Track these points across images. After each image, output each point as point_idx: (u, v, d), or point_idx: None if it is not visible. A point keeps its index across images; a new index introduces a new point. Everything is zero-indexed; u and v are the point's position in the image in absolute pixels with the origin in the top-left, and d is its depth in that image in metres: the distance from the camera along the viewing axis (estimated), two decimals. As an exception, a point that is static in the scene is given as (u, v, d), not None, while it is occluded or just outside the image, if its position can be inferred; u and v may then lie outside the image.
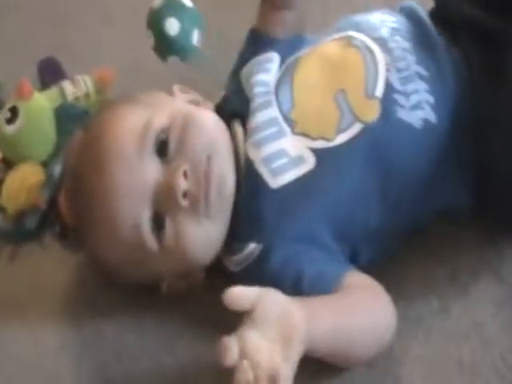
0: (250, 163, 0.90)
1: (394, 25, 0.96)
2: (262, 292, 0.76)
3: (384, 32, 0.94)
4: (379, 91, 0.90)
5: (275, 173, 0.89)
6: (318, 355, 0.80)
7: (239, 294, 0.75)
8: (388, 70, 0.91)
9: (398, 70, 0.91)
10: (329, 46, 0.96)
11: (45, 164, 1.09)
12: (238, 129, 0.93)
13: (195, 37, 1.00)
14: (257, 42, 1.01)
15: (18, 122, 1.08)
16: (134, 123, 0.89)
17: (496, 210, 0.91)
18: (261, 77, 0.95)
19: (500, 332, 0.85)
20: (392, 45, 0.93)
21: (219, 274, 0.92)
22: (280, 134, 0.90)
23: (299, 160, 0.89)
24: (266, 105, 0.92)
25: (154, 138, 0.88)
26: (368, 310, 0.84)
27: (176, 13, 0.98)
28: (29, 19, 1.36)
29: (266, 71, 0.96)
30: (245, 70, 0.98)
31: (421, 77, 0.91)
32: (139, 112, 0.90)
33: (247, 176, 0.90)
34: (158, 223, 0.87)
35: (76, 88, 1.14)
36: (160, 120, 0.89)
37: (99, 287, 0.97)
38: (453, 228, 0.93)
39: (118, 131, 0.89)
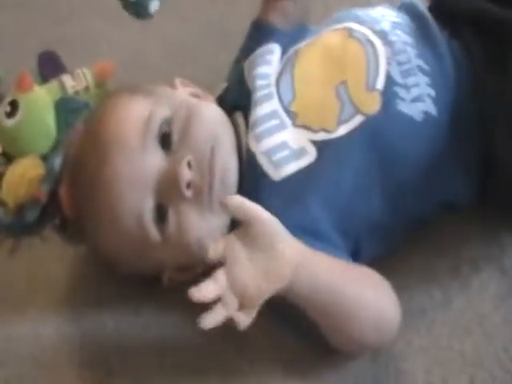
0: (251, 156, 0.90)
1: (395, 19, 0.96)
2: (266, 215, 0.79)
3: (385, 25, 0.95)
4: (380, 84, 0.90)
5: (277, 165, 0.89)
6: (311, 307, 0.81)
7: (242, 203, 0.78)
8: (389, 63, 0.91)
9: (399, 63, 0.91)
10: (329, 37, 0.96)
11: (45, 157, 1.08)
12: (240, 121, 0.93)
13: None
14: (259, 33, 1.01)
15: (18, 116, 1.08)
16: (137, 113, 0.88)
17: (498, 202, 0.91)
18: (262, 69, 0.95)
19: (503, 324, 0.86)
20: (393, 38, 0.93)
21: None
22: (281, 127, 0.90)
23: (301, 152, 0.89)
24: (267, 97, 0.92)
25: (157, 129, 0.88)
26: (371, 289, 0.84)
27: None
28: (28, 13, 1.36)
29: (267, 63, 0.96)
30: (247, 62, 0.98)
31: (422, 70, 0.91)
32: (142, 102, 0.90)
33: (249, 168, 0.90)
34: (160, 214, 0.87)
35: (76, 81, 1.14)
36: (163, 111, 0.88)
37: (99, 280, 0.97)
38: (455, 220, 0.93)
39: (121, 121, 0.88)
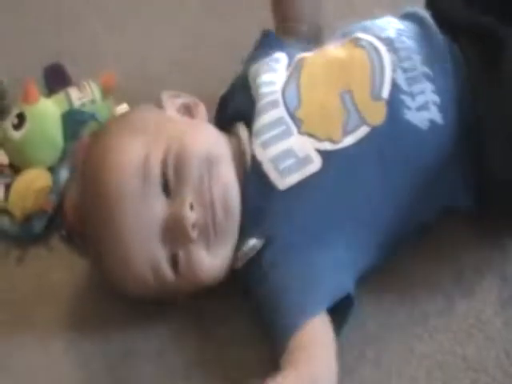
0: (257, 164, 0.90)
1: (400, 26, 0.97)
2: None
3: (390, 32, 0.95)
4: (386, 92, 0.90)
5: (283, 174, 0.89)
6: None
7: None
8: (394, 70, 0.91)
9: (405, 71, 0.91)
10: (335, 47, 0.96)
11: (51, 169, 1.10)
12: (243, 131, 0.94)
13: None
14: (268, 43, 1.02)
15: (25, 128, 1.09)
16: (133, 160, 0.88)
17: (497, 209, 0.91)
18: (267, 77, 0.95)
19: (504, 329, 0.86)
20: (398, 45, 0.93)
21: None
22: (287, 133, 0.91)
23: (306, 160, 0.89)
24: (272, 104, 0.92)
25: (155, 176, 0.87)
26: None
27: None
28: (32, 25, 1.37)
29: (273, 71, 0.96)
30: (252, 70, 0.98)
31: (427, 77, 0.91)
32: (135, 145, 0.89)
33: (254, 177, 0.90)
34: (173, 260, 0.88)
35: (82, 93, 1.15)
36: (157, 153, 0.88)
37: (106, 290, 0.97)
38: (458, 227, 0.94)
39: (118, 171, 0.88)
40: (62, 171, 1.09)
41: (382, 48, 0.93)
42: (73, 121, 1.11)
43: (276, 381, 0.79)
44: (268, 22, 1.08)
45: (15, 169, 1.12)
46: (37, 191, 1.07)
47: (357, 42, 0.95)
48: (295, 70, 0.95)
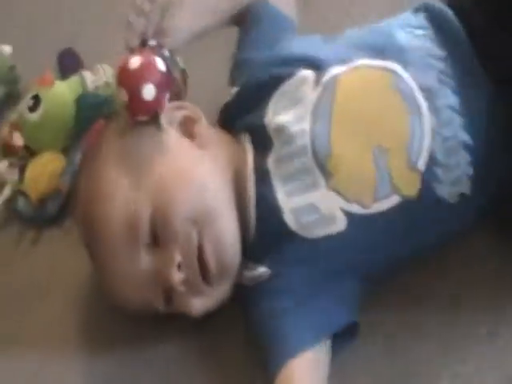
0: (278, 210, 0.86)
1: (437, 52, 0.90)
2: None
3: (432, 78, 0.88)
4: (422, 163, 0.85)
5: (304, 227, 0.86)
6: None
7: None
8: (433, 138, 0.86)
9: (444, 139, 0.86)
10: (371, 78, 0.89)
11: (66, 151, 1.11)
12: (249, 154, 0.90)
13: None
14: (274, 23, 1.00)
15: (40, 110, 1.10)
16: (119, 218, 0.86)
17: None
18: (290, 115, 0.88)
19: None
20: (440, 102, 0.87)
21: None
22: (313, 186, 0.86)
23: (330, 219, 0.85)
24: (300, 151, 0.87)
25: (143, 234, 0.85)
26: None
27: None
28: (44, 10, 1.37)
29: (296, 103, 0.89)
30: (275, 97, 0.90)
31: (465, 147, 0.86)
32: (123, 192, 0.86)
33: (273, 221, 0.87)
34: (167, 296, 0.87)
35: (96, 77, 1.16)
36: (145, 213, 0.85)
37: None
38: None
39: (106, 225, 0.86)
40: (76, 154, 1.09)
41: (424, 105, 0.86)
42: (87, 104, 1.12)
43: None
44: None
45: (30, 151, 1.13)
46: (51, 173, 1.08)
47: (395, 83, 0.87)
48: (326, 99, 0.87)
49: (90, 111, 1.11)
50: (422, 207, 0.86)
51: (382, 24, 0.95)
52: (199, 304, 0.87)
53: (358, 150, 0.86)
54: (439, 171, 0.86)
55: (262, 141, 0.89)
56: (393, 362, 0.85)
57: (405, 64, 0.88)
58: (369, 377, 0.85)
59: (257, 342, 0.87)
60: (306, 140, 0.86)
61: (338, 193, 0.85)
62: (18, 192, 1.10)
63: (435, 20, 0.92)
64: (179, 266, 0.85)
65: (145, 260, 0.85)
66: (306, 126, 0.86)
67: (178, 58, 0.96)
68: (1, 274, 1.03)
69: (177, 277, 0.84)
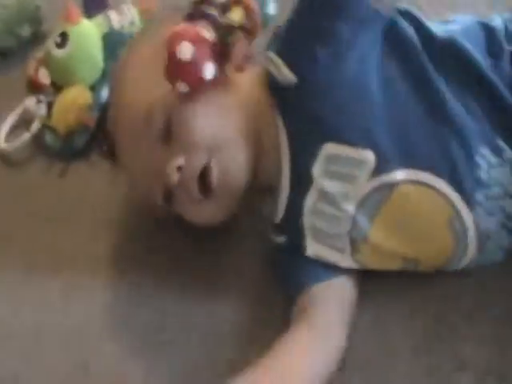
0: (301, 225, 0.86)
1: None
2: None
3: (495, 223, 0.83)
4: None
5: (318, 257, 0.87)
6: None
7: None
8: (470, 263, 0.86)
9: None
10: (431, 206, 0.82)
11: (92, 87, 1.13)
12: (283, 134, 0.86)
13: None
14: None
15: (68, 47, 1.13)
16: (139, 106, 0.86)
17: None
18: (339, 187, 0.83)
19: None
20: (492, 243, 0.84)
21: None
22: (340, 250, 0.86)
23: (347, 270, 0.87)
24: (339, 220, 0.84)
25: (157, 129, 0.85)
26: (303, 368, 0.82)
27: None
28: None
29: (349, 180, 0.83)
30: (329, 148, 0.83)
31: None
32: (146, 90, 0.86)
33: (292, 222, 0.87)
34: (166, 195, 0.88)
35: (121, 16, 1.19)
36: (161, 112, 0.85)
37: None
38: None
39: (127, 110, 0.88)
40: (103, 90, 1.12)
41: (473, 244, 0.84)
42: (113, 41, 1.15)
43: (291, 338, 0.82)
44: None
45: (57, 88, 1.15)
46: (78, 107, 1.11)
47: (453, 223, 0.83)
48: (377, 197, 0.82)
49: (117, 49, 1.13)
50: None
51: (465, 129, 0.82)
52: (196, 211, 0.88)
53: (391, 252, 0.85)
54: None
55: (302, 180, 0.85)
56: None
57: (473, 205, 0.82)
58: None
59: (279, 267, 0.91)
60: (346, 219, 0.83)
61: (360, 264, 0.86)
62: (46, 127, 1.13)
63: None
64: (179, 168, 0.84)
65: (153, 149, 0.86)
66: (350, 208, 0.83)
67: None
68: (30, 203, 1.06)
69: (174, 177, 0.84)
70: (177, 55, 0.82)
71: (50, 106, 1.14)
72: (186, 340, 0.89)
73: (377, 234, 0.83)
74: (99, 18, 1.18)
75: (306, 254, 0.86)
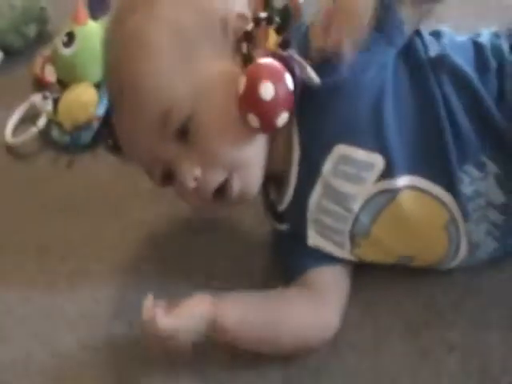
0: (304, 218, 0.88)
1: (497, 198, 0.86)
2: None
3: (482, 232, 0.87)
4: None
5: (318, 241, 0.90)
6: (234, 339, 0.86)
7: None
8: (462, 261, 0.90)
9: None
10: (431, 210, 0.85)
11: (97, 85, 1.18)
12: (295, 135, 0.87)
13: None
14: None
15: (74, 46, 1.18)
16: (155, 110, 0.82)
17: None
18: (347, 187, 0.85)
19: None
20: (480, 251, 0.89)
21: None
22: (340, 245, 0.89)
23: (344, 260, 0.90)
24: (342, 219, 0.87)
25: (175, 127, 0.83)
26: (289, 316, 0.87)
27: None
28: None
29: (358, 181, 0.85)
30: (342, 148, 0.85)
31: None
32: (172, 63, 0.83)
33: (297, 212, 0.89)
34: (165, 179, 0.87)
35: (126, 18, 1.23)
36: (183, 108, 0.82)
37: (148, 192, 1.03)
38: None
39: (141, 98, 0.83)
40: (108, 87, 1.17)
41: (464, 252, 0.88)
42: (118, 42, 1.19)
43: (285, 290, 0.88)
44: None
45: (63, 85, 1.20)
46: (84, 103, 1.16)
47: (449, 227, 0.86)
48: (382, 200, 0.85)
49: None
50: None
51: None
52: (200, 206, 0.88)
53: (393, 245, 0.88)
54: None
55: (310, 177, 0.87)
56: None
57: (466, 217, 0.86)
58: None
59: (279, 249, 0.95)
60: (350, 217, 0.86)
61: (357, 257, 0.90)
62: (53, 122, 1.18)
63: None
64: (195, 179, 0.83)
65: (161, 141, 0.83)
66: (355, 207, 0.86)
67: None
68: (38, 194, 1.10)
69: (190, 184, 0.83)
70: (259, 92, 0.80)
71: (56, 102, 1.19)
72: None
73: (377, 231, 0.87)
74: (105, 20, 1.23)
75: (306, 243, 0.90)
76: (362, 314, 0.91)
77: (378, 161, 0.83)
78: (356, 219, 0.86)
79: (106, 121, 1.13)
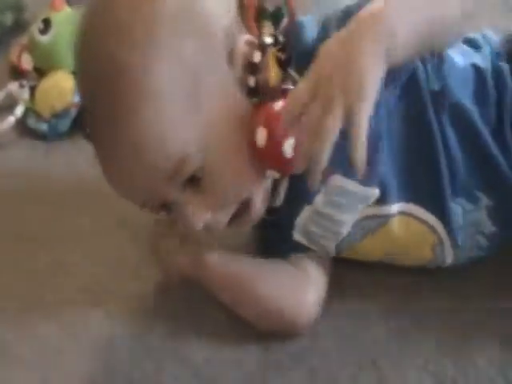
0: (290, 227, 0.87)
1: (487, 228, 0.86)
2: None
3: (470, 254, 0.89)
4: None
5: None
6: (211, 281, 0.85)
7: None
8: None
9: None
10: (420, 235, 0.86)
11: (75, 73, 1.17)
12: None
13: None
14: None
15: (51, 33, 1.17)
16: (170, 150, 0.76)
17: None
18: (336, 214, 0.84)
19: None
20: (464, 254, 0.88)
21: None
22: (324, 249, 0.88)
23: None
24: (329, 238, 0.87)
25: (184, 177, 0.78)
26: (272, 278, 0.87)
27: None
28: None
29: (350, 210, 0.84)
30: (334, 186, 0.83)
31: None
32: (177, 133, 0.75)
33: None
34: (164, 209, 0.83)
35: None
36: (195, 159, 0.76)
37: None
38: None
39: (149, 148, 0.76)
40: (86, 75, 1.16)
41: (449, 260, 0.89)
42: (95, 29, 1.18)
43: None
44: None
45: (40, 73, 1.19)
46: (62, 90, 1.15)
47: (436, 248, 0.87)
48: (374, 222, 0.85)
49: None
50: None
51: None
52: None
53: (378, 256, 0.89)
54: None
55: (298, 202, 0.85)
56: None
57: (456, 244, 0.87)
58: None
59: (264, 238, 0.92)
60: (337, 238, 0.86)
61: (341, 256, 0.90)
62: (30, 111, 1.17)
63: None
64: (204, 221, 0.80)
65: (171, 187, 0.78)
66: (344, 230, 0.85)
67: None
68: (17, 184, 1.09)
69: (198, 227, 0.80)
70: (282, 150, 0.76)
71: (33, 90, 1.18)
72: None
73: (364, 247, 0.87)
74: (81, 6, 1.22)
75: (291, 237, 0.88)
76: (343, 299, 0.90)
77: (373, 192, 0.83)
78: (343, 239, 0.86)
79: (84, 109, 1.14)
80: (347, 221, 0.85)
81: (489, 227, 0.86)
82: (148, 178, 0.77)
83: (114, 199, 1.02)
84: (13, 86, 1.20)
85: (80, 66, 0.82)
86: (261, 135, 0.76)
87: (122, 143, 0.76)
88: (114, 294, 0.94)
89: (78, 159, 1.10)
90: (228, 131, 0.77)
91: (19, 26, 1.34)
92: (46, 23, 1.17)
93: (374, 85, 0.68)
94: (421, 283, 0.91)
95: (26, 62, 1.21)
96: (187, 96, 0.75)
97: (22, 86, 1.19)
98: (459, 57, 0.86)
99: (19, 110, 1.17)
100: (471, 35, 0.90)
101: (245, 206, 0.82)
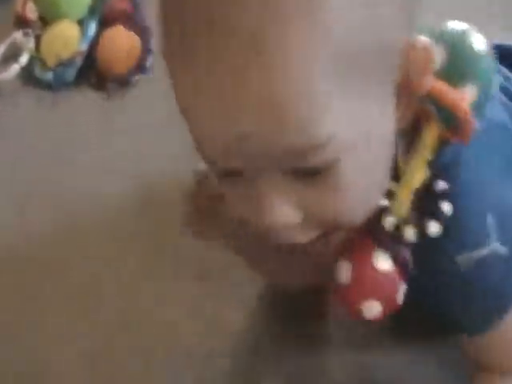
0: None
1: None
2: None
3: None
4: None
5: None
6: None
7: None
8: None
9: None
10: None
11: (80, 23, 1.17)
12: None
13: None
14: None
15: (56, -19, 1.16)
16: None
17: None
18: None
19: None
20: None
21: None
22: None
23: None
24: None
25: (304, 165, 0.57)
26: None
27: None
28: None
29: None
30: None
31: None
32: None
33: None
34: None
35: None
36: (332, 151, 0.55)
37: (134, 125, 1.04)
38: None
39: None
40: (91, 24, 1.16)
41: None
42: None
43: None
44: None
45: (45, 22, 1.18)
46: (67, 39, 1.14)
47: None
48: None
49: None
50: None
51: None
52: None
53: None
54: None
55: None
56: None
57: None
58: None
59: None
60: None
61: None
62: (36, 59, 1.17)
63: None
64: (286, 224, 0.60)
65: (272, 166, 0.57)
66: None
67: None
68: (24, 136, 1.09)
69: (275, 226, 0.59)
70: (362, 312, 0.64)
71: (38, 40, 1.18)
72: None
73: None
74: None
75: None
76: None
77: None
78: None
79: (89, 59, 1.14)
80: None
81: None
82: (261, 135, 0.54)
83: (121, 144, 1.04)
84: (17, 35, 1.19)
85: None
86: None
87: (260, 75, 0.52)
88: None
89: (83, 109, 1.10)
90: (378, 143, 0.59)
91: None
92: (52, -28, 1.16)
93: None
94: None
95: (31, 11, 1.20)
96: (351, 81, 0.55)
97: (26, 35, 1.19)
98: None
99: (24, 59, 1.17)
100: None
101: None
